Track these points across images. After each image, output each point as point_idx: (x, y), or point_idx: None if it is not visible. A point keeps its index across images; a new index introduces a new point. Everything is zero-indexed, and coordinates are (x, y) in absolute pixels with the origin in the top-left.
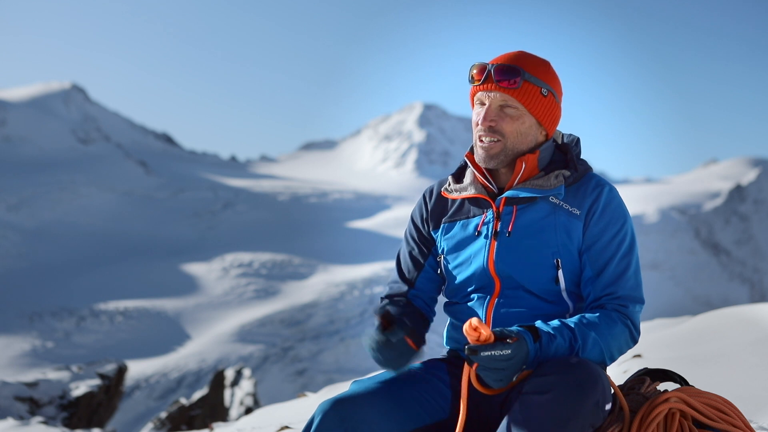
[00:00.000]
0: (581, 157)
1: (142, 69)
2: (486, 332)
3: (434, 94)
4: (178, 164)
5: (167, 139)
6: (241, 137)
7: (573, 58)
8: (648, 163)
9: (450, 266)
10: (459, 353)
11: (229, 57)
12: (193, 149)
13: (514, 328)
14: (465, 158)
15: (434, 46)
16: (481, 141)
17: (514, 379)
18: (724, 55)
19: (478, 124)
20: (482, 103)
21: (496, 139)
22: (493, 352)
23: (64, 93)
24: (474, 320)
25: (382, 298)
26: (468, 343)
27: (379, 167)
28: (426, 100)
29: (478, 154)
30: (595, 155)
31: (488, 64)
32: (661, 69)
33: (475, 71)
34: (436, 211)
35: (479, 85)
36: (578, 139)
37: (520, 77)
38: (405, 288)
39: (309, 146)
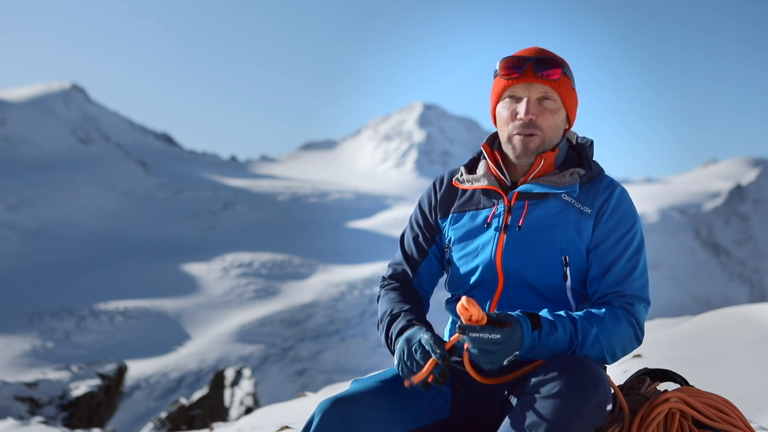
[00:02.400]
0: (594, 159)
1: (142, 69)
2: (477, 314)
3: (434, 94)
4: (178, 164)
5: (167, 139)
6: (241, 137)
7: (573, 58)
8: (648, 163)
9: (456, 256)
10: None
11: (229, 57)
12: (193, 149)
13: (516, 312)
14: (481, 148)
15: (434, 46)
16: (520, 135)
17: (505, 362)
18: (724, 55)
19: (513, 119)
20: (516, 97)
21: (536, 133)
22: (481, 335)
23: (64, 93)
24: (464, 299)
25: (384, 278)
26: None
27: (379, 167)
28: (426, 100)
29: (515, 149)
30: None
31: (525, 56)
32: (661, 69)
33: (509, 64)
34: (446, 200)
35: (517, 78)
36: (592, 142)
37: (562, 70)
38: (410, 274)
39: (309, 146)
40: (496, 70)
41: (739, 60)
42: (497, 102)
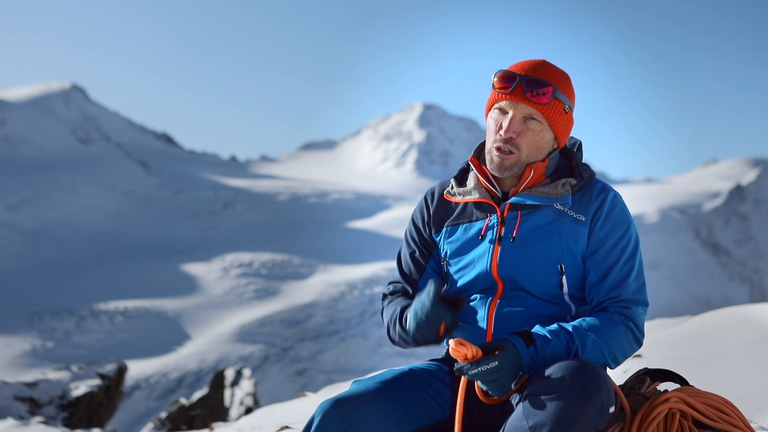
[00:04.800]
0: (583, 160)
1: (142, 69)
2: (471, 350)
3: (434, 94)
4: (178, 164)
5: (167, 139)
6: (241, 137)
7: (573, 58)
8: (648, 163)
9: (452, 270)
10: None
11: (229, 57)
12: (193, 149)
13: (506, 336)
14: (469, 162)
15: (434, 46)
16: (497, 150)
17: (513, 386)
18: (724, 55)
19: (497, 132)
20: (504, 112)
21: (511, 152)
22: (479, 369)
23: (64, 93)
24: (453, 341)
25: (384, 295)
26: (457, 361)
27: (379, 167)
28: (426, 100)
29: (492, 162)
30: (595, 155)
31: (517, 73)
32: (661, 69)
33: (501, 79)
34: (438, 214)
35: (507, 94)
36: (580, 143)
37: (551, 94)
38: (410, 291)
39: (309, 146)
40: (492, 81)
41: (739, 60)
42: (489, 110)
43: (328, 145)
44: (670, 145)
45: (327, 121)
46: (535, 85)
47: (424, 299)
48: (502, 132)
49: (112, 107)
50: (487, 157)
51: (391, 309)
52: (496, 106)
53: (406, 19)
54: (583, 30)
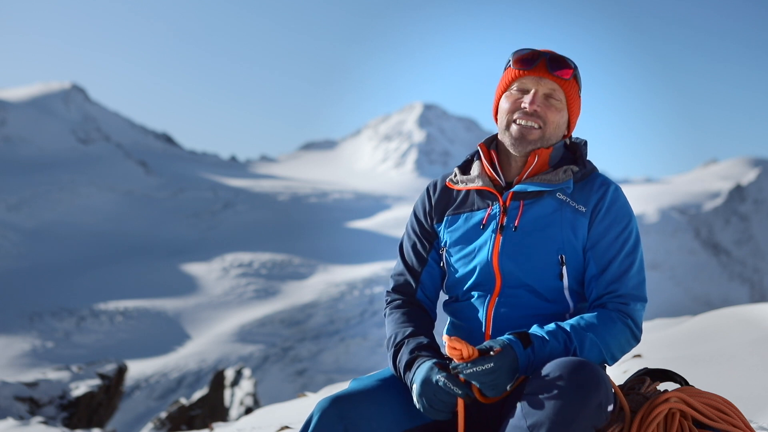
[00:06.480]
0: (588, 158)
1: (142, 69)
2: (467, 350)
3: (434, 94)
4: (178, 164)
5: (167, 139)
6: (241, 137)
7: (573, 57)
8: (648, 163)
9: (452, 259)
10: None
11: (229, 57)
12: (193, 149)
13: (503, 337)
14: (478, 147)
15: (434, 46)
16: (519, 124)
17: (508, 388)
18: (724, 55)
19: (517, 109)
20: (524, 89)
21: (537, 125)
22: (475, 369)
23: (64, 93)
24: (446, 338)
25: (387, 291)
26: (452, 360)
27: (379, 167)
28: (426, 100)
29: (512, 137)
30: (595, 155)
31: (540, 51)
32: (661, 69)
33: (524, 56)
34: (440, 204)
35: (529, 69)
36: (585, 142)
37: (573, 71)
38: (413, 284)
39: (309, 146)
40: (508, 61)
41: (739, 60)
42: (504, 92)
43: (328, 145)
44: (670, 145)
45: (327, 121)
46: (558, 62)
47: (432, 383)
48: (525, 105)
49: (112, 107)
50: (504, 135)
51: (389, 330)
52: (515, 84)
53: (405, 19)
54: (583, 29)
